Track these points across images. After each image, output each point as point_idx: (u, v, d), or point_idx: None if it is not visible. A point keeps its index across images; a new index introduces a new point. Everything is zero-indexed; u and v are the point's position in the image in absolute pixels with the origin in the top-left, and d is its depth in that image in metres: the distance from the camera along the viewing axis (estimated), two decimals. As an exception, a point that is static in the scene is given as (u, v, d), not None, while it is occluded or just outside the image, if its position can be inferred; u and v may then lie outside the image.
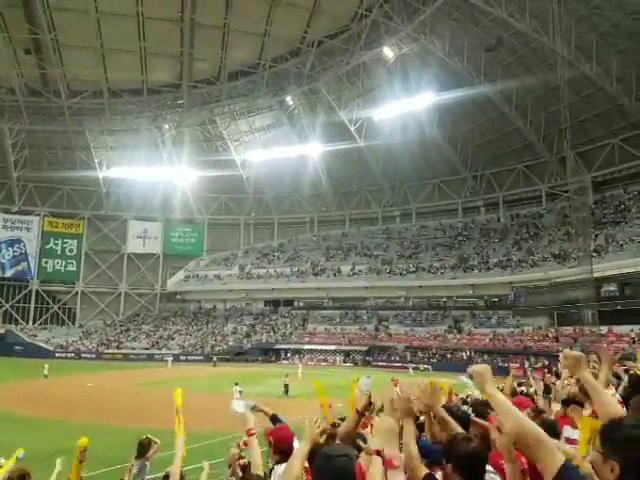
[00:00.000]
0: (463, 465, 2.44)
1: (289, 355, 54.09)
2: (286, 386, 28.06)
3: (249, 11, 45.72)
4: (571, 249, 45.82)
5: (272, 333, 58.95)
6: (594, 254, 41.71)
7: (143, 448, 6.92)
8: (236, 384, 22.97)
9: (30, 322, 65.63)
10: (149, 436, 7.19)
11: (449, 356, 46.88)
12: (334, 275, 61.67)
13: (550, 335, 43.64)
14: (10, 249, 65.59)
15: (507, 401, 2.25)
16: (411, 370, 40.53)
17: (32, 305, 66.62)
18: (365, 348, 52.06)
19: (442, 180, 62.23)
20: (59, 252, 68.24)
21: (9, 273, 65.70)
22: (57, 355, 55.71)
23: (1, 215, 65.13)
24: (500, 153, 55.72)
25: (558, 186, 52.57)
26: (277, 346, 56.16)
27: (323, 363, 51.35)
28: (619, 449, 1.66)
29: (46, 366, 36.57)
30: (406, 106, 49.35)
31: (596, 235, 45.53)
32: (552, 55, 39.08)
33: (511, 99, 47.14)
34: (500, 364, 41.39)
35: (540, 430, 2.04)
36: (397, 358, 49.44)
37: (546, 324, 45.62)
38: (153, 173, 62.81)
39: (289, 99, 57.88)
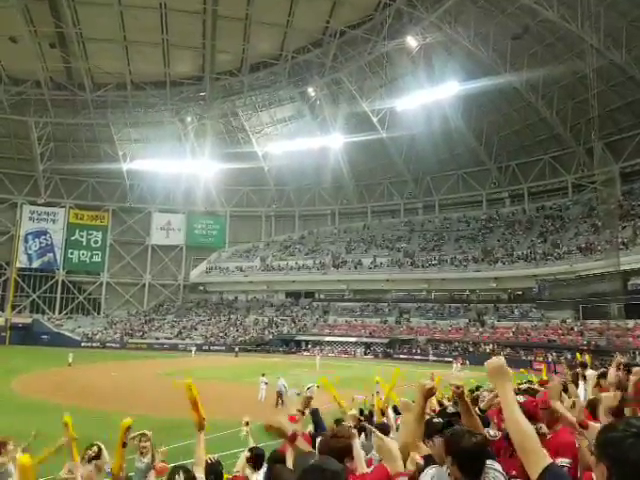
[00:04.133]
0: (463, 460, 2.47)
1: (310, 346, 54.16)
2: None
3: (271, 2, 45.55)
4: (598, 241, 44.88)
5: (293, 324, 59.15)
6: (621, 246, 40.83)
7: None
8: (263, 375, 23.05)
9: (56, 312, 66.98)
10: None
11: (471, 349, 46.41)
12: (355, 267, 61.50)
13: (575, 329, 42.86)
14: (37, 240, 66.92)
15: (514, 403, 2.11)
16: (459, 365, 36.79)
17: (58, 295, 67.97)
18: (386, 340, 51.85)
19: (466, 171, 61.36)
20: (84, 243, 69.40)
21: (36, 264, 67.05)
22: (83, 344, 56.72)
23: (28, 207, 66.44)
24: (526, 144, 54.74)
25: (585, 177, 51.50)
26: (298, 337, 56.33)
27: (344, 355, 51.31)
28: (604, 452, 1.68)
29: (70, 355, 37.41)
30: (430, 96, 48.72)
31: (624, 227, 44.49)
32: (580, 43, 38.14)
33: (537, 88, 46.13)
34: (523, 357, 41.14)
35: (532, 433, 2.01)
36: (419, 351, 49.16)
37: (571, 317, 44.81)
38: (176, 166, 63.39)
39: (311, 90, 57.62)
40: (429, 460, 2.83)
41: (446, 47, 47.07)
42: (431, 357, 46.52)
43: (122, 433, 3.96)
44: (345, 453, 2.95)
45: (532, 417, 3.55)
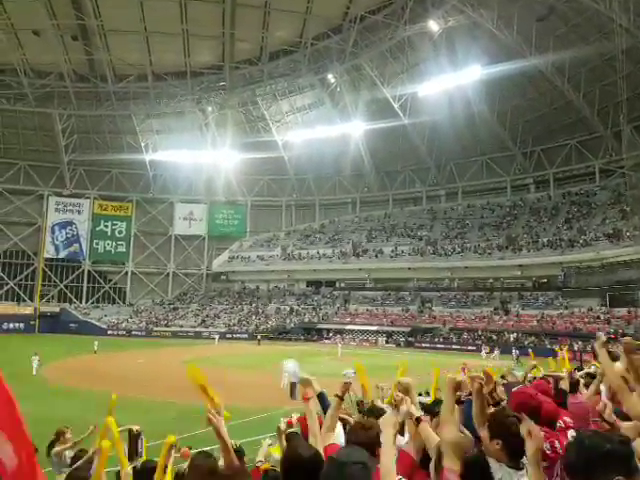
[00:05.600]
0: (513, 443, 2.59)
1: (331, 335, 54.27)
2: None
3: (290, -12, 45.16)
4: (626, 228, 43.80)
5: (314, 313, 59.31)
6: (651, 233, 39.82)
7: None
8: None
9: (83, 301, 68.34)
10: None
11: (495, 338, 45.92)
12: (376, 256, 61.21)
13: (602, 317, 42.04)
14: (63, 231, 68.18)
15: None
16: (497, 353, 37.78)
17: (85, 285, 69.28)
18: (408, 329, 51.60)
19: (490, 157, 60.30)
20: (109, 234, 70.49)
21: (62, 254, 68.38)
22: (109, 333, 57.86)
23: (54, 198, 67.64)
24: (551, 128, 53.40)
25: (613, 162, 50.16)
26: (319, 326, 56.48)
27: (365, 343, 51.29)
28: None
29: (96, 343, 38.41)
30: (452, 81, 47.83)
31: (654, 213, 43.29)
32: (609, 23, 36.87)
33: (564, 71, 44.89)
34: (548, 346, 40.47)
35: None
36: (441, 340, 48.84)
37: (597, 305, 43.96)
38: (197, 156, 63.78)
39: (331, 77, 57.03)
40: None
41: (469, 31, 45.99)
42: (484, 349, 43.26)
43: (165, 452, 3.28)
44: (376, 443, 2.89)
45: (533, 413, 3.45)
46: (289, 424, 6.41)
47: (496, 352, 38.04)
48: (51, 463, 6.31)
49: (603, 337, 3.34)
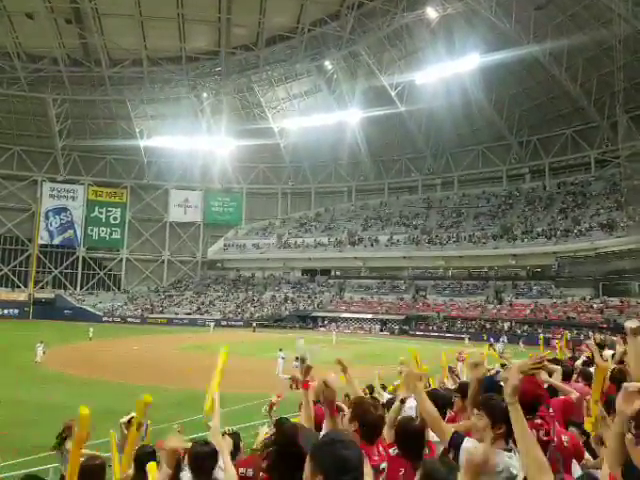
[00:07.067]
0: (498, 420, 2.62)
1: (326, 322, 54.52)
2: None
3: (287, -27, 44.62)
4: (620, 218, 44.02)
5: (309, 301, 59.48)
6: (645, 223, 40.03)
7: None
8: (280, 349, 23.21)
9: (78, 287, 68.17)
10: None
11: (488, 326, 46.24)
12: (371, 245, 61.30)
13: (595, 306, 42.37)
14: (57, 217, 67.79)
15: None
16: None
17: (79, 271, 69.06)
18: (402, 317, 51.92)
19: (486, 146, 60.24)
20: (104, 220, 70.14)
21: (57, 240, 68.06)
22: (104, 319, 57.82)
23: (48, 184, 67.14)
24: (548, 118, 53.41)
25: (609, 152, 50.26)
26: (314, 314, 56.70)
27: (360, 331, 51.58)
28: None
29: (91, 329, 38.53)
30: (450, 69, 47.72)
31: (648, 203, 43.44)
32: (607, 12, 36.86)
33: (561, 60, 44.73)
34: (541, 335, 40.75)
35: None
36: (435, 328, 49.15)
37: (590, 295, 44.27)
38: (193, 142, 63.32)
39: (328, 64, 56.68)
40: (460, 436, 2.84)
41: (467, 18, 45.74)
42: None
43: (140, 410, 3.54)
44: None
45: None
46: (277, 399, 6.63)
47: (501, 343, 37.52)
48: (59, 456, 6.17)
49: (634, 323, 3.16)
